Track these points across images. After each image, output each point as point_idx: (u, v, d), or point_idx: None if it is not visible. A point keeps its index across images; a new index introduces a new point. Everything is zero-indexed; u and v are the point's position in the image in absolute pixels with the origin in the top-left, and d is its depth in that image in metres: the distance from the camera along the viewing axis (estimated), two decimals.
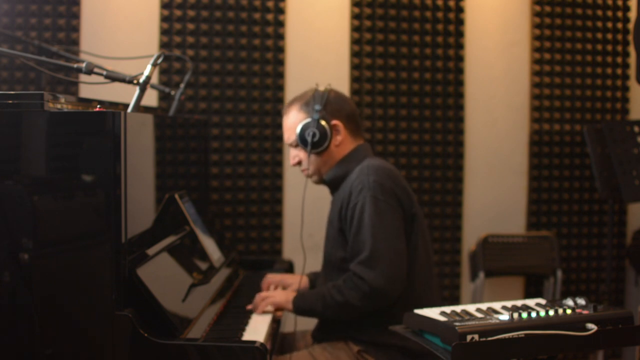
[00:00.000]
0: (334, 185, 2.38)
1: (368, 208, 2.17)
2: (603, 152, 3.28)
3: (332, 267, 2.32)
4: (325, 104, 2.32)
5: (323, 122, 2.29)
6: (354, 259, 2.19)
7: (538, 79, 3.55)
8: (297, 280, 2.51)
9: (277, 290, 2.40)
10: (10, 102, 1.70)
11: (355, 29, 3.40)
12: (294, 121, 2.35)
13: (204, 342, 1.74)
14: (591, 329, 1.62)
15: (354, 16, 3.39)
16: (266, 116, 3.33)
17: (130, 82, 1.86)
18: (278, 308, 2.29)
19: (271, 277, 2.54)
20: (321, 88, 2.37)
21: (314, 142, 2.29)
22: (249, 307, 2.29)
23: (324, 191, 2.47)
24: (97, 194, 1.71)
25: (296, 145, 2.36)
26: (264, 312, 2.26)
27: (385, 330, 1.95)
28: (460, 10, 3.46)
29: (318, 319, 2.36)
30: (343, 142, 2.35)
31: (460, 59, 3.48)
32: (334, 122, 2.32)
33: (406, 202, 2.24)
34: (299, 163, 2.39)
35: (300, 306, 2.24)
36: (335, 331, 2.28)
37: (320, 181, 2.41)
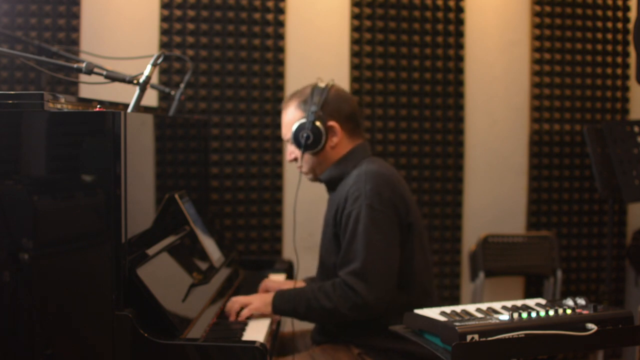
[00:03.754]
0: (330, 185, 2.35)
1: (363, 218, 2.13)
2: (603, 152, 3.27)
3: (328, 272, 2.30)
4: (322, 104, 2.27)
5: (318, 124, 2.24)
6: (344, 267, 2.15)
7: (538, 79, 3.55)
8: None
9: (254, 295, 2.26)
10: (10, 102, 1.70)
11: (355, 29, 3.40)
12: (290, 119, 2.31)
13: (204, 342, 1.74)
14: (591, 329, 1.62)
15: (354, 16, 3.39)
16: (266, 116, 3.33)
17: (130, 82, 1.86)
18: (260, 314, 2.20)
19: (268, 283, 2.45)
20: (322, 84, 2.32)
21: (308, 144, 2.25)
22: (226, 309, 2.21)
23: (323, 191, 2.47)
24: (97, 194, 1.70)
25: (293, 142, 2.33)
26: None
27: (387, 335, 1.94)
28: (460, 10, 3.46)
29: (300, 320, 2.26)
30: (339, 144, 2.30)
31: (460, 59, 3.48)
32: (330, 123, 2.27)
33: (403, 210, 2.19)
34: (295, 159, 2.36)
35: (280, 306, 2.17)
36: (335, 334, 2.26)
37: (316, 179, 2.38)
